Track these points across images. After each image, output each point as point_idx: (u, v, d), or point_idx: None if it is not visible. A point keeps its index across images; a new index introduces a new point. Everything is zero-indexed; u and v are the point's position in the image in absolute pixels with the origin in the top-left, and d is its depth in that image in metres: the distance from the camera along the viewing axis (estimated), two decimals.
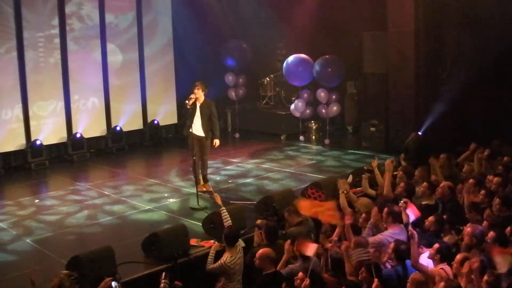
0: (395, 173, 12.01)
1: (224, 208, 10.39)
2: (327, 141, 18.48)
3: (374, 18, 17.68)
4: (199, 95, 13.56)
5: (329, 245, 8.88)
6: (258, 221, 10.77)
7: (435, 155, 12.72)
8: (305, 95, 19.00)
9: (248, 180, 14.93)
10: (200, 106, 13.65)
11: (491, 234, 8.33)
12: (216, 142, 13.94)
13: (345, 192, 10.97)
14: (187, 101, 13.52)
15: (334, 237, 9.32)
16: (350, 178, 12.54)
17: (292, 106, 19.03)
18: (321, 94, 18.46)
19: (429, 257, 8.19)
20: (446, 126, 15.57)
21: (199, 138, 13.75)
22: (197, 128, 13.65)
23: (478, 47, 15.54)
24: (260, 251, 8.52)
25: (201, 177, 13.89)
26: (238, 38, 20.26)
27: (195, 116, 13.65)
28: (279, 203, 11.46)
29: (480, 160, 12.30)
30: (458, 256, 7.82)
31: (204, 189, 13.70)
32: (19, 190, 14.90)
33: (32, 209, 13.25)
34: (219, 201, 10.59)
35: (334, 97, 18.56)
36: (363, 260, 8.22)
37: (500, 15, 15.15)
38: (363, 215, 9.98)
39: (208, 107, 13.74)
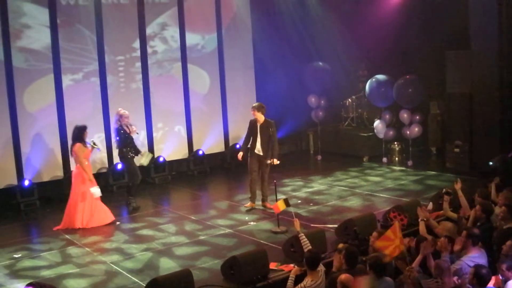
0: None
1: (302, 233, 10.27)
2: (410, 163, 18.17)
3: (457, 37, 17.34)
4: (256, 116, 14.33)
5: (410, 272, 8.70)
6: (340, 245, 10.61)
7: None
8: (387, 116, 18.73)
9: (330, 203, 14.73)
10: (260, 127, 14.32)
11: None
12: (274, 161, 14.35)
13: (424, 219, 10.74)
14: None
15: (415, 264, 9.09)
16: (430, 205, 12.27)
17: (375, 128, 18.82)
18: (404, 115, 18.17)
19: None
20: None
21: (259, 157, 14.33)
22: (258, 147, 14.31)
23: None
24: (340, 277, 8.34)
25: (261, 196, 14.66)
26: (319, 60, 20.15)
27: (257, 136, 14.29)
28: (360, 227, 11.28)
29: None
30: None
31: (267, 207, 14.39)
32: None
33: (114, 231, 13.43)
34: (297, 227, 10.45)
35: (417, 117, 18.24)
36: None
37: None
38: (442, 238, 9.70)
39: (268, 127, 14.32)
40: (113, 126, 15.07)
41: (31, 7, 15.95)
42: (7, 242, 12.87)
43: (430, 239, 9.79)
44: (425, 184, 16.12)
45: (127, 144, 14.73)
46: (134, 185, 15.09)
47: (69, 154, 14.32)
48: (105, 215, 13.99)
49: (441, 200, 12.25)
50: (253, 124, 14.52)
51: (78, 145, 13.68)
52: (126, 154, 14.77)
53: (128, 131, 14.72)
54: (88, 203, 13.74)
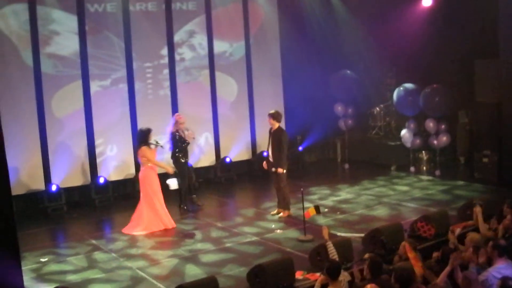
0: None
1: (330, 242, 10.20)
2: (437, 172, 18.00)
3: (486, 45, 17.17)
4: (270, 123, 14.34)
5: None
6: (366, 255, 10.54)
7: None
8: (412, 126, 18.58)
9: (357, 212, 14.65)
10: (273, 134, 14.36)
11: None
12: (278, 170, 14.26)
13: (453, 245, 10.63)
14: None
15: (443, 275, 8.98)
16: (458, 231, 12.15)
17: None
18: (430, 124, 18.03)
19: None
20: None
21: (271, 165, 14.35)
22: (270, 154, 14.44)
23: None
24: (366, 287, 8.28)
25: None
26: (347, 68, 20.06)
27: (269, 144, 14.37)
28: (387, 237, 11.20)
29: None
30: None
31: (287, 215, 14.51)
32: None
33: (140, 237, 13.45)
34: (326, 235, 10.36)
35: (443, 127, 18.09)
36: None
37: None
38: (470, 249, 9.60)
39: (278, 135, 14.24)
40: (168, 129, 15.24)
41: (60, 14, 16.07)
42: (34, 246, 12.96)
43: (455, 254, 9.70)
44: (453, 194, 15.95)
45: (180, 148, 15.09)
46: (183, 188, 15.37)
47: (136, 157, 14.59)
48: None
49: (468, 211, 12.14)
50: (269, 131, 14.57)
51: (143, 148, 13.89)
52: (178, 158, 15.15)
53: (183, 136, 15.03)
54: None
